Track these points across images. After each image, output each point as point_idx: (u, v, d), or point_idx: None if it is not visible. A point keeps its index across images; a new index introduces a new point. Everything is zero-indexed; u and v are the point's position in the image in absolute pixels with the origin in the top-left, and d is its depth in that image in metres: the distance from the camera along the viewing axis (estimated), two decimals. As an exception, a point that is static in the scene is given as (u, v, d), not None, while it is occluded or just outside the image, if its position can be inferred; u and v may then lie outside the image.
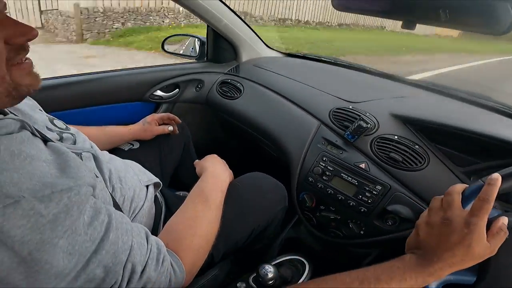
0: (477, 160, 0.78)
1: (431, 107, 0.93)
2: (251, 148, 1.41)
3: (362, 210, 0.83)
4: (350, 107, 0.93)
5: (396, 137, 0.84)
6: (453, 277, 0.58)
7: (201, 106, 1.35)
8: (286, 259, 0.98)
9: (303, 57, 1.38)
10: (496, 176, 0.51)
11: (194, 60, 1.43)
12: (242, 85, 1.21)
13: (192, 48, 1.51)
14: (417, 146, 0.82)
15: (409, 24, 0.56)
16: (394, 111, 0.89)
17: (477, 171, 0.77)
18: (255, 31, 1.37)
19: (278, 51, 1.45)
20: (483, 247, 0.51)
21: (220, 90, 1.27)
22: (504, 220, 0.53)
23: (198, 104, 1.35)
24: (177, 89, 1.31)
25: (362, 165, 0.84)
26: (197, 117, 1.39)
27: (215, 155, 0.87)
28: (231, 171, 0.84)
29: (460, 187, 0.55)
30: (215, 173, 0.77)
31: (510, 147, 0.72)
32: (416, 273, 0.51)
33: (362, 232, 0.86)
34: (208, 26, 1.30)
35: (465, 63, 7.95)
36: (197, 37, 1.46)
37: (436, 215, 0.54)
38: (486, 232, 0.52)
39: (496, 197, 0.64)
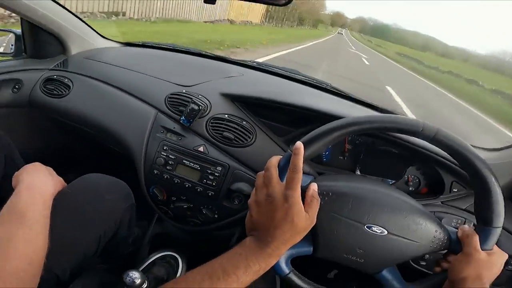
0: (292, 128, 0.87)
1: (254, 84, 1.01)
2: (97, 149, 1.29)
3: (210, 194, 0.84)
4: (184, 91, 0.93)
5: (226, 115, 0.87)
6: (294, 250, 0.62)
7: (23, 109, 1.14)
8: (157, 257, 0.94)
9: (142, 45, 1.32)
10: (299, 145, 0.53)
11: (10, 58, 1.18)
12: (71, 81, 1.07)
13: (12, 44, 1.26)
14: (245, 122, 0.87)
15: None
16: (223, 91, 0.92)
17: (294, 138, 0.86)
18: (86, 22, 1.23)
19: (115, 41, 1.34)
20: (303, 219, 0.52)
21: (45, 89, 1.09)
22: (314, 186, 0.56)
23: (18, 108, 1.13)
24: None
25: (201, 148, 0.85)
26: (20, 123, 1.17)
27: (37, 164, 0.74)
28: (60, 178, 0.74)
29: (275, 159, 0.56)
30: (31, 184, 0.65)
31: (315, 113, 0.82)
32: (257, 257, 0.52)
33: (216, 216, 0.88)
34: (21, 18, 1.10)
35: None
36: (11, 31, 1.22)
37: (261, 192, 0.54)
38: (303, 202, 0.53)
39: (311, 160, 0.70)
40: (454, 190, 0.83)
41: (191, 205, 0.88)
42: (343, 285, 0.66)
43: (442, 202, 0.83)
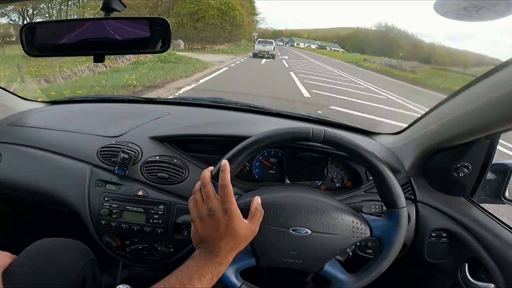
0: (220, 156, 0.95)
1: (180, 121, 1.07)
2: (42, 211, 1.28)
3: (159, 231, 0.90)
4: (113, 142, 0.97)
5: (158, 157, 0.93)
6: (240, 264, 0.67)
7: None
8: None
9: (69, 101, 1.31)
10: (224, 162, 0.61)
11: None
12: None
13: None
14: (176, 160, 0.93)
15: (99, 58, 0.63)
16: (152, 134, 0.98)
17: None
18: (2, 86, 1.19)
19: (39, 101, 1.32)
20: (244, 228, 0.59)
21: None
22: (257, 199, 0.64)
23: None
24: None
25: (140, 192, 0.90)
26: None
27: None
28: (4, 253, 0.74)
29: (208, 175, 0.62)
30: None
31: (233, 139, 0.88)
32: (208, 266, 0.57)
33: (172, 250, 0.93)
34: None
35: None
36: None
37: (202, 208, 0.60)
38: (245, 214, 0.60)
39: (244, 179, 0.77)
40: (370, 178, 0.94)
41: (146, 245, 0.93)
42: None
43: (365, 191, 0.94)
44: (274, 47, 23.01)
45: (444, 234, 0.90)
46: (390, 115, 6.24)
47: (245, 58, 19.56)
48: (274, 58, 21.10)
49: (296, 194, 0.71)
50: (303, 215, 0.66)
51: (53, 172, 0.97)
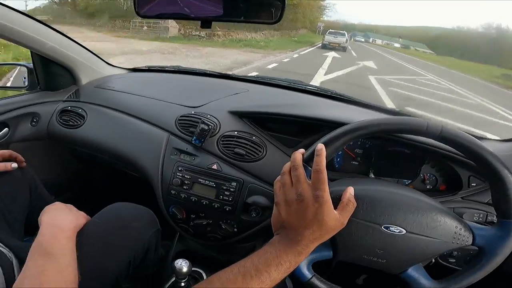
0: (300, 138, 0.89)
1: (259, 98, 1.04)
2: (115, 174, 1.33)
3: (227, 209, 0.87)
4: (193, 112, 0.96)
5: (236, 132, 0.91)
6: (315, 255, 0.63)
7: (43, 142, 1.19)
8: None
9: (148, 70, 1.36)
10: (320, 146, 0.56)
11: (25, 91, 1.24)
12: (85, 111, 1.12)
13: (24, 78, 1.31)
14: (254, 137, 0.90)
15: (206, 24, 0.62)
16: (231, 108, 0.96)
17: (303, 148, 0.88)
18: (92, 51, 1.27)
19: (121, 67, 1.39)
20: (333, 220, 0.54)
21: (61, 120, 1.14)
22: (350, 190, 0.59)
23: (38, 141, 1.18)
24: (6, 129, 1.12)
25: (214, 166, 0.88)
26: (41, 156, 1.22)
27: (56, 203, 0.78)
28: (81, 212, 0.78)
29: (299, 157, 0.58)
30: (52, 222, 0.70)
31: (320, 122, 0.85)
32: (287, 255, 0.53)
33: (236, 230, 0.90)
34: (32, 51, 1.15)
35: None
36: (23, 65, 1.27)
37: (290, 192, 0.56)
38: (337, 205, 0.56)
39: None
40: (472, 184, 0.83)
41: (210, 221, 0.91)
42: None
43: (462, 198, 0.84)
44: (347, 39, 22.47)
45: None
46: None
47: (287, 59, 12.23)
48: (345, 51, 20.34)
49: (394, 190, 0.64)
50: (399, 213, 0.60)
51: (131, 136, 1.00)
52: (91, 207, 0.82)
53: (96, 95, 1.15)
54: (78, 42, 1.22)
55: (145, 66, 1.37)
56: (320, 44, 22.50)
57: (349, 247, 0.62)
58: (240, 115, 0.94)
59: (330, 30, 26.23)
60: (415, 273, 0.63)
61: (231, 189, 0.86)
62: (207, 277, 0.96)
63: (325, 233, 0.54)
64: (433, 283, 0.63)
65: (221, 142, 0.90)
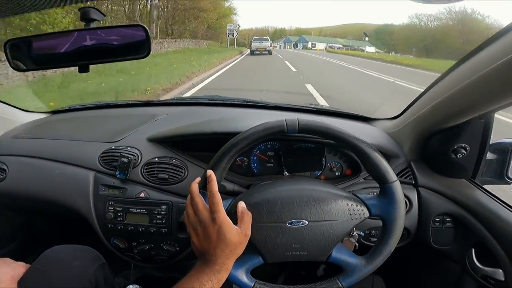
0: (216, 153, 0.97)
1: (177, 121, 1.08)
2: (58, 218, 1.32)
3: (163, 231, 0.92)
4: (113, 147, 0.99)
5: (156, 159, 0.96)
6: (248, 264, 0.69)
7: None
8: None
9: (68, 110, 1.34)
10: (209, 173, 0.64)
11: None
12: (5, 163, 1.09)
13: None
14: (174, 160, 0.95)
15: (84, 68, 0.66)
16: (149, 136, 1.00)
17: None
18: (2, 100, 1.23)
19: (40, 112, 1.35)
20: (236, 234, 0.61)
21: None
22: (241, 204, 0.65)
23: None
24: None
25: (142, 194, 0.93)
26: None
27: None
28: (18, 263, 0.78)
29: (195, 187, 0.65)
30: None
31: (226, 136, 0.86)
32: (208, 275, 0.60)
33: (178, 249, 0.95)
34: None
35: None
36: None
37: (194, 221, 0.63)
38: (235, 220, 0.62)
39: (244, 175, 0.76)
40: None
41: (152, 245, 0.95)
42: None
43: (364, 179, 0.94)
44: (271, 43, 26.43)
45: (448, 219, 0.89)
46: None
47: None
48: (271, 54, 23.46)
49: (288, 187, 0.72)
50: (296, 207, 0.66)
51: (58, 180, 1.00)
52: (35, 255, 0.82)
53: (14, 146, 1.12)
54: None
55: (65, 107, 1.36)
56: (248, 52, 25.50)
57: (271, 249, 0.67)
58: (159, 141, 0.99)
59: (255, 37, 30.07)
60: (340, 254, 0.69)
61: (162, 213, 0.91)
62: None
63: (234, 248, 0.62)
64: (359, 259, 0.69)
65: (144, 170, 0.94)
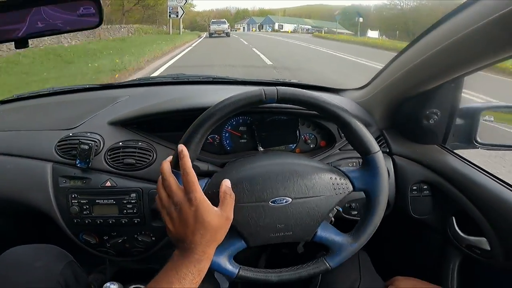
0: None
1: (141, 102, 1.01)
2: (12, 220, 1.22)
3: (136, 221, 0.87)
4: (70, 134, 0.91)
5: (121, 143, 0.89)
6: (230, 250, 0.63)
7: None
8: None
9: (17, 99, 1.22)
10: (181, 148, 0.56)
11: None
12: None
13: None
14: (140, 143, 0.89)
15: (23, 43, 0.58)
16: (111, 119, 0.93)
17: None
18: None
19: None
20: (216, 217, 0.54)
21: None
22: (226, 183, 0.59)
23: None
24: None
25: (108, 183, 0.86)
26: None
27: None
28: None
29: (167, 166, 0.58)
30: None
31: (195, 112, 0.80)
32: (187, 267, 0.53)
33: (153, 238, 0.90)
34: None
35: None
36: None
37: (168, 204, 0.56)
38: (217, 199, 0.56)
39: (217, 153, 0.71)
40: (343, 134, 0.91)
41: (125, 237, 0.90)
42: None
43: (340, 150, 0.93)
44: (228, 26, 27.35)
45: (425, 187, 0.89)
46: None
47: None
48: (229, 36, 24.37)
49: (268, 162, 0.67)
50: (278, 184, 0.62)
51: (11, 176, 0.91)
52: None
53: None
54: None
55: (14, 96, 1.23)
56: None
57: (254, 232, 0.63)
58: (122, 123, 0.92)
59: (213, 20, 31.38)
60: (325, 232, 0.66)
61: (132, 201, 0.85)
62: None
63: (215, 233, 0.55)
64: (345, 237, 0.67)
65: (108, 156, 0.87)
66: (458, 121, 0.91)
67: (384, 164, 0.64)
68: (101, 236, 0.90)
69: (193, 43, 16.82)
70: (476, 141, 0.92)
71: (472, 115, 0.91)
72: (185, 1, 22.38)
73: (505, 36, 0.55)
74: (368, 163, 0.64)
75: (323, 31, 53.08)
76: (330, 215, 0.75)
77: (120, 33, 16.86)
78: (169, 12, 22.32)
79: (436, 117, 0.84)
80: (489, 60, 0.62)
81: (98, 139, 0.88)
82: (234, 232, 0.62)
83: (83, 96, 1.15)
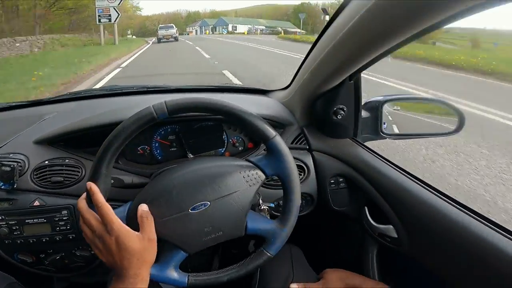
0: None
1: (68, 118, 0.99)
2: None
3: (71, 237, 0.87)
4: None
5: (47, 161, 0.88)
6: (174, 261, 0.66)
7: None
8: None
9: None
10: (89, 186, 0.59)
11: None
12: None
13: None
14: (67, 160, 0.89)
15: None
16: (36, 138, 0.91)
17: None
18: None
19: None
20: (137, 241, 0.57)
21: None
22: (142, 207, 0.61)
23: None
24: None
25: (36, 203, 0.86)
26: None
27: None
28: None
29: (83, 203, 0.60)
30: None
31: (112, 128, 0.71)
32: None
33: (93, 252, 0.90)
34: None
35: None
36: None
37: (92, 236, 0.59)
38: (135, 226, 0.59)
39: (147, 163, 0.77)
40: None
41: (63, 254, 0.90)
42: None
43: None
44: (176, 30, 27.01)
45: (341, 179, 0.95)
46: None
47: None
48: (177, 40, 24.44)
49: (180, 172, 0.68)
50: (193, 191, 0.64)
51: None
52: None
53: None
54: None
55: None
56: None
57: (186, 241, 0.64)
58: (48, 142, 0.91)
59: (160, 25, 30.52)
60: (255, 223, 0.69)
61: (64, 218, 0.86)
62: None
63: (141, 256, 0.58)
64: (274, 223, 0.70)
65: (34, 176, 0.87)
66: (364, 114, 0.99)
67: (285, 146, 0.67)
68: (37, 254, 0.89)
69: (132, 56, 13.09)
70: (383, 132, 1.01)
71: (376, 108, 1.00)
72: (119, 1, 18.01)
73: (379, 29, 0.58)
74: (270, 149, 0.67)
75: (282, 31, 52.05)
76: (263, 207, 0.80)
77: (14, 50, 11.64)
78: (99, 16, 17.53)
79: (343, 112, 0.92)
80: (373, 54, 0.68)
81: (22, 159, 0.87)
82: (170, 244, 0.65)
83: (7, 115, 1.11)
